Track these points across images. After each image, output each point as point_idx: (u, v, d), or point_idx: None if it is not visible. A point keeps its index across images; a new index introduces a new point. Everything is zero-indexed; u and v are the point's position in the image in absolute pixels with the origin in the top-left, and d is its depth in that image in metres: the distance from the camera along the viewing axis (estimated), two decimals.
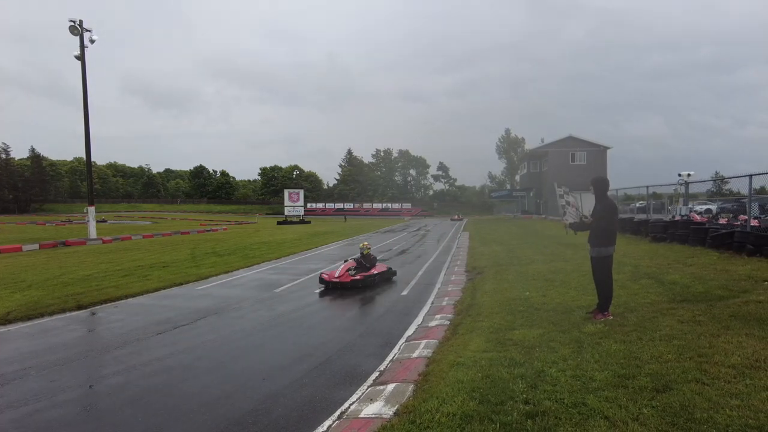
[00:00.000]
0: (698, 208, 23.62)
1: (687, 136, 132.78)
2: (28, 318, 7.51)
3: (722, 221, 16.67)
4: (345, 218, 59.90)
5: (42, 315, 7.70)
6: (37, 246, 19.10)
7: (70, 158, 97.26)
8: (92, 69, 23.43)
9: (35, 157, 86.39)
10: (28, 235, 25.51)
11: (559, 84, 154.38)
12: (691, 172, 19.22)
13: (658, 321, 5.35)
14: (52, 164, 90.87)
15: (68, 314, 7.88)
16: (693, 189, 21.82)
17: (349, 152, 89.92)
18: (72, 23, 21.98)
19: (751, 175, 10.34)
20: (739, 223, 14.33)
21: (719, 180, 21.31)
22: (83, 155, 23.61)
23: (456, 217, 51.78)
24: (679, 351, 4.25)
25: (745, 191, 13.56)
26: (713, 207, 23.89)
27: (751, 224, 10.98)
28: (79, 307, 8.25)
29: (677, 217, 16.93)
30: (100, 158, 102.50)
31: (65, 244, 20.59)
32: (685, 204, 19.55)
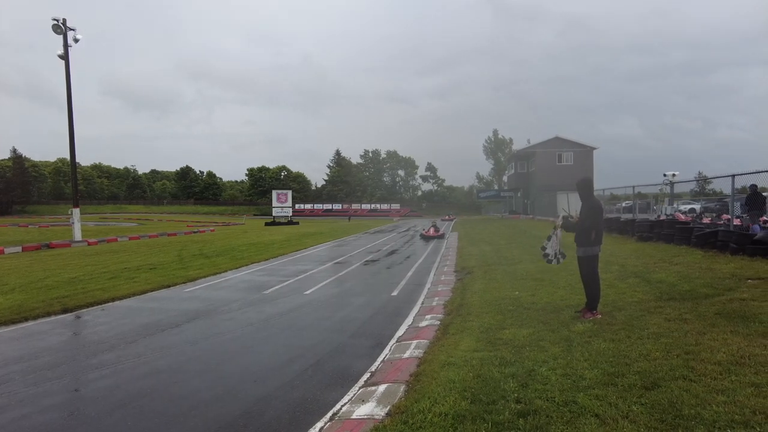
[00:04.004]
0: (683, 207, 24.02)
1: (662, 137, 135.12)
2: (12, 322, 7.36)
3: (706, 220, 16.96)
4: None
5: (26, 319, 7.55)
6: (19, 248, 18.76)
7: (52, 159, 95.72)
8: (72, 70, 23.03)
9: (17, 158, 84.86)
10: (9, 237, 25.00)
11: (538, 85, 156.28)
12: (676, 173, 19.56)
13: (646, 319, 5.42)
14: (35, 165, 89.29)
15: (53, 318, 7.75)
16: (677, 189, 22.16)
17: (337, 153, 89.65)
18: (55, 22, 21.64)
19: (733, 176, 10.55)
20: (722, 222, 14.60)
21: (703, 180, 21.69)
22: (66, 156, 23.25)
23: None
24: (667, 349, 4.32)
25: (727, 191, 13.84)
26: (697, 206, 24.30)
27: (734, 223, 11.21)
28: (65, 311, 8.12)
29: (662, 217, 17.19)
30: (84, 159, 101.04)
31: (49, 246, 20.24)
32: (671, 204, 19.86)
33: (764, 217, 13.61)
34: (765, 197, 12.80)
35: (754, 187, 12.23)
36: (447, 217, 53.24)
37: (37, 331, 6.91)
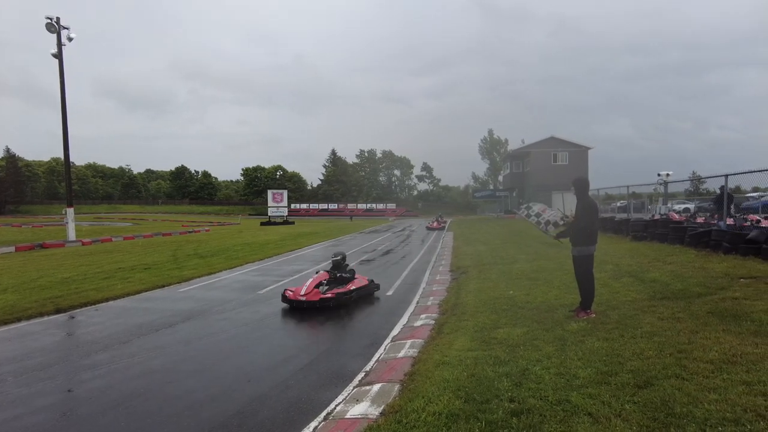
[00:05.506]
0: (677, 207, 24.12)
1: (657, 137, 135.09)
2: (5, 323, 7.31)
3: (699, 220, 17.03)
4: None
5: (19, 319, 7.51)
6: (12, 248, 18.61)
7: (46, 158, 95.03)
8: (69, 70, 23.03)
9: (10, 158, 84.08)
10: (3, 237, 24.77)
11: (533, 85, 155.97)
12: (670, 172, 19.60)
13: (639, 318, 5.45)
14: (28, 165, 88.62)
15: (47, 318, 7.71)
16: (671, 188, 22.26)
17: (333, 152, 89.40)
18: (49, 20, 21.47)
19: (726, 175, 10.62)
20: (715, 221, 14.66)
21: (696, 180, 21.78)
22: (60, 155, 23.10)
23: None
24: (660, 347, 4.34)
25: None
26: (691, 206, 24.38)
27: (727, 223, 11.27)
28: (58, 311, 8.07)
29: (657, 216, 17.26)
30: (78, 159, 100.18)
31: (42, 246, 20.09)
32: (665, 203, 19.95)
33: (756, 217, 13.70)
34: (734, 196, 13.13)
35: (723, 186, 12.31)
36: (435, 223, 31.37)
37: (29, 332, 6.87)
